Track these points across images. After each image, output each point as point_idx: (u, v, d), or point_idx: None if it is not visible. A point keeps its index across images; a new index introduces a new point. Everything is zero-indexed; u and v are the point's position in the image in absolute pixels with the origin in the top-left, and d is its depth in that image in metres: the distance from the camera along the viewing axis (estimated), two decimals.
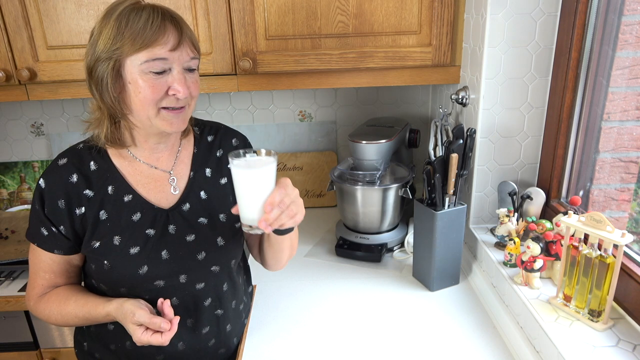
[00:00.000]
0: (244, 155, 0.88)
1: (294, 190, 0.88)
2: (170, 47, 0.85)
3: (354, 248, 1.43)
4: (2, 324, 1.39)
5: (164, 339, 0.86)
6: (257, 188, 0.85)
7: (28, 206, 1.85)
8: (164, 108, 0.89)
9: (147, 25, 0.84)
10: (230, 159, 0.86)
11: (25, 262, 1.42)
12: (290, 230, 0.96)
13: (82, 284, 1.05)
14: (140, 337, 0.86)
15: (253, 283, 1.27)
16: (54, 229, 0.93)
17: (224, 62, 1.36)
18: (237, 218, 1.04)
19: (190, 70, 0.91)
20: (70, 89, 1.39)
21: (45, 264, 0.97)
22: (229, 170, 1.05)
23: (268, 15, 1.32)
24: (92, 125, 0.96)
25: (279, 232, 0.96)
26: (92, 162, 0.95)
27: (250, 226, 0.88)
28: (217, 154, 1.06)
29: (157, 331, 0.87)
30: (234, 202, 1.05)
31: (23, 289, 1.35)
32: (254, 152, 0.89)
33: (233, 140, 1.09)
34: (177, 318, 0.89)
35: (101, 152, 0.96)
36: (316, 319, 1.17)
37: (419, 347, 1.06)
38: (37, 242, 0.95)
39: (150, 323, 0.86)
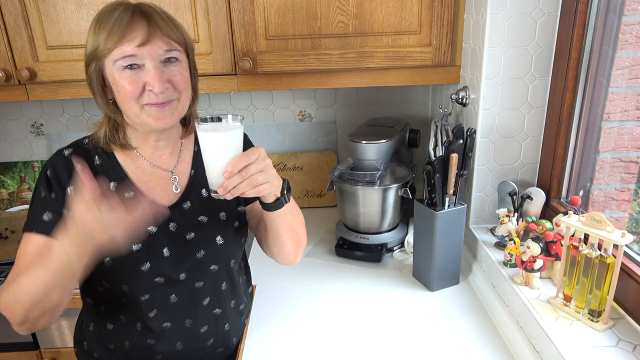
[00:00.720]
0: (211, 120, 0.87)
1: (264, 160, 0.85)
2: (138, 42, 0.85)
3: (354, 248, 1.43)
4: (2, 324, 1.39)
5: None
6: (220, 152, 0.84)
7: (28, 206, 1.85)
8: (147, 105, 0.88)
9: (115, 24, 0.84)
10: (196, 123, 0.85)
11: None
12: (279, 206, 0.93)
13: (78, 285, 1.03)
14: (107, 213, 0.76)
15: (253, 283, 1.27)
16: (64, 211, 0.90)
17: (224, 62, 1.36)
18: (237, 216, 1.05)
19: (171, 61, 0.89)
20: (70, 89, 1.39)
21: (36, 248, 0.89)
22: None
23: (268, 15, 1.32)
24: (96, 128, 0.97)
25: (265, 206, 0.93)
26: (96, 157, 0.96)
27: (214, 191, 0.87)
28: None
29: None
30: (235, 200, 1.03)
31: None
32: (221, 117, 0.88)
33: None
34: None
35: (105, 149, 0.97)
36: (316, 319, 1.17)
37: (419, 347, 1.06)
38: (35, 229, 0.90)
39: (81, 189, 0.76)
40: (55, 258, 0.79)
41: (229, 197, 0.84)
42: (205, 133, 0.84)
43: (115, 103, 0.92)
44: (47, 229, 0.89)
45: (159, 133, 0.97)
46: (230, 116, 0.87)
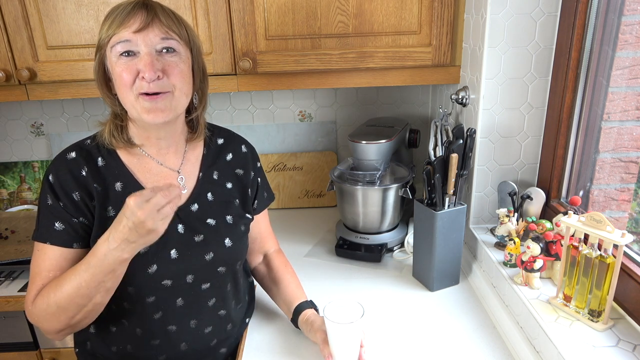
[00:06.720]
0: (340, 314, 0.95)
1: None
2: (134, 28, 0.86)
3: (354, 248, 1.43)
4: (2, 324, 1.39)
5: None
6: (356, 342, 0.96)
7: (28, 206, 1.85)
8: (141, 95, 0.88)
9: (117, 13, 0.87)
10: (327, 315, 0.93)
11: (25, 262, 1.42)
12: None
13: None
14: (155, 200, 0.77)
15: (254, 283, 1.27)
16: (74, 219, 0.90)
17: (223, 62, 1.36)
18: (243, 220, 1.06)
19: (168, 51, 0.89)
20: (70, 89, 1.39)
21: (54, 261, 0.91)
22: (235, 176, 1.07)
23: (268, 15, 1.32)
24: (101, 127, 0.97)
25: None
26: (99, 158, 0.95)
27: None
28: (227, 158, 1.07)
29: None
30: (241, 207, 1.05)
31: (23, 289, 1.34)
32: (341, 306, 0.97)
33: (242, 147, 1.10)
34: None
35: (109, 149, 0.96)
36: None
37: (419, 347, 1.06)
38: (50, 240, 0.90)
39: (154, 189, 0.78)
40: (102, 262, 0.82)
41: None
42: (345, 328, 0.92)
43: (117, 99, 0.93)
44: (62, 240, 0.90)
45: (159, 129, 0.96)
46: (354, 304, 0.97)
